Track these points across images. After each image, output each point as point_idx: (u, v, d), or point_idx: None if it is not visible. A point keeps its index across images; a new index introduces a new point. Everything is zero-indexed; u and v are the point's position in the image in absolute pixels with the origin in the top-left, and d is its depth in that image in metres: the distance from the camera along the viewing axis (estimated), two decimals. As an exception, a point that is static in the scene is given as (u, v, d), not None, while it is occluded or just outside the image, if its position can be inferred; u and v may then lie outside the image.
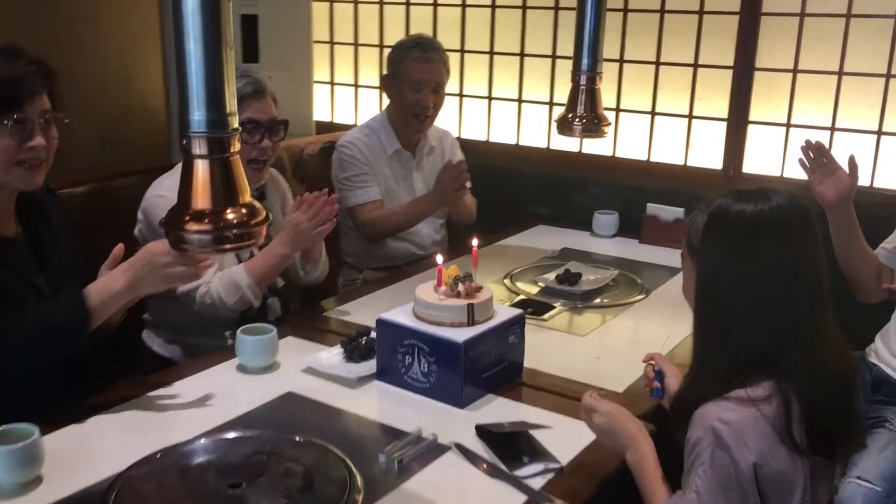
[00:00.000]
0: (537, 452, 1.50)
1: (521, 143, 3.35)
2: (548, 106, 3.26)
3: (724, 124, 2.85)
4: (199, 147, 1.19)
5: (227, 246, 1.23)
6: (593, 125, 2.37)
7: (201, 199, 1.21)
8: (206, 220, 1.21)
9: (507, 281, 2.49)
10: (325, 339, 1.99)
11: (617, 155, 3.13)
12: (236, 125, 1.20)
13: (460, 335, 1.67)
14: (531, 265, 2.61)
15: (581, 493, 1.41)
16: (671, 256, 2.76)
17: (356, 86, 3.76)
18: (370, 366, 1.80)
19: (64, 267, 1.75)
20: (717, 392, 1.25)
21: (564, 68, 3.18)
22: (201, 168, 1.21)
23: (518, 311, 1.81)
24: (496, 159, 3.33)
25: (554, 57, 3.20)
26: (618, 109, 3.08)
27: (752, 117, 2.81)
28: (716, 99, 2.87)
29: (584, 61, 2.33)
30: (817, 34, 2.66)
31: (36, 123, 1.63)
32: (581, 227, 3.01)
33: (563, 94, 3.18)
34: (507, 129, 3.38)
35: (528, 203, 3.29)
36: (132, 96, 3.39)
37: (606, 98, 3.03)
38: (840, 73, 2.66)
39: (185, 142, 1.20)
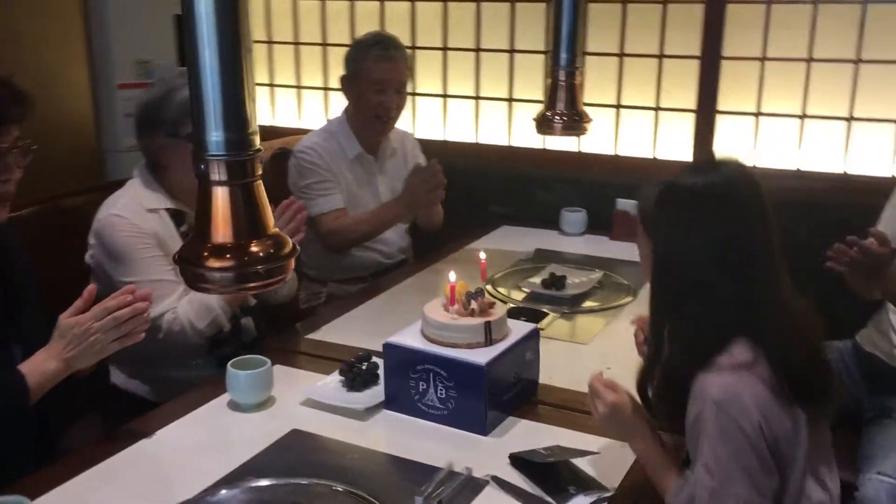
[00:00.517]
0: (582, 480, 1.39)
1: (479, 141, 3.24)
2: (507, 102, 3.15)
3: (693, 115, 2.80)
4: (218, 172, 1.04)
5: (253, 284, 1.07)
6: (574, 122, 2.28)
7: (222, 231, 1.06)
8: (229, 256, 1.05)
9: (489, 287, 2.38)
10: (316, 367, 1.83)
11: (582, 150, 3.05)
12: (258, 145, 1.05)
13: (480, 357, 1.55)
14: (509, 269, 2.50)
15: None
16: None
17: (298, 87, 3.58)
18: (376, 393, 1.66)
19: (32, 309, 1.56)
20: (695, 364, 1.25)
21: (524, 63, 3.09)
22: (221, 196, 1.05)
23: (532, 326, 1.70)
24: (453, 158, 3.18)
25: (512, 52, 3.10)
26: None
27: (720, 107, 2.77)
28: (683, 90, 2.82)
29: (563, 56, 2.23)
30: (784, 21, 2.64)
31: (9, 154, 1.44)
32: (547, 225, 2.92)
33: (522, 90, 3.11)
34: (464, 128, 3.26)
35: (489, 202, 3.18)
36: (54, 105, 3.12)
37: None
38: (809, 60, 2.64)
39: (202, 166, 1.04)
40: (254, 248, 1.05)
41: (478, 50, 3.16)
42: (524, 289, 2.35)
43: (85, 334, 1.48)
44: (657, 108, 2.87)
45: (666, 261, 1.31)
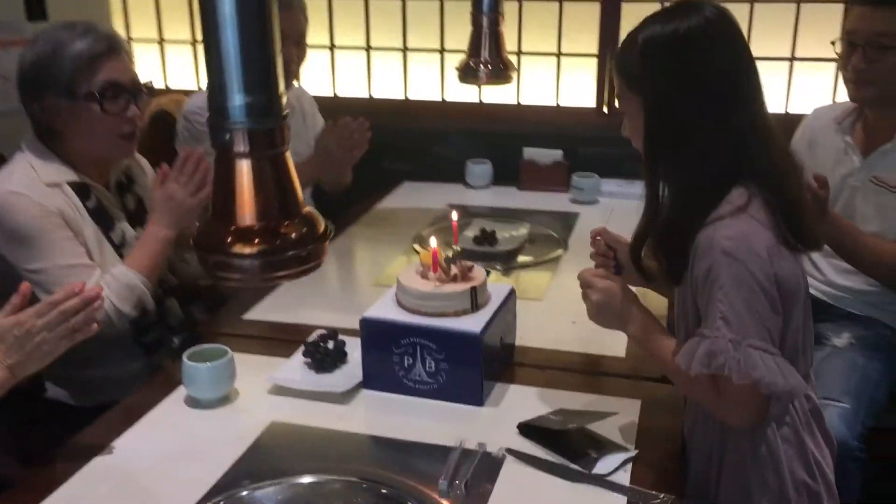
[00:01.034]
0: (599, 443, 1.34)
1: (373, 95, 3.08)
2: (401, 52, 3.02)
3: (595, 60, 2.79)
4: (242, 142, 0.87)
5: (286, 272, 0.92)
6: (500, 71, 2.18)
7: (248, 211, 0.90)
8: (258, 240, 0.89)
9: (417, 247, 2.28)
10: (270, 350, 1.68)
11: (484, 101, 2.97)
12: (286, 112, 0.90)
13: (473, 324, 1.46)
14: (432, 227, 2.41)
15: (670, 473, 1.29)
16: (556, 200, 2.70)
17: (161, 41, 3.26)
18: (349, 373, 1.54)
19: None
20: (696, 212, 1.26)
21: (418, 9, 2.96)
22: (246, 170, 0.89)
23: (508, 287, 1.62)
24: (345, 115, 3.03)
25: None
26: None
27: (622, 51, 2.77)
28: (585, 34, 2.79)
29: (486, 1, 2.13)
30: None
31: None
32: (450, 179, 2.84)
33: (416, 40, 2.98)
34: (355, 82, 3.10)
35: (384, 159, 3.04)
36: None
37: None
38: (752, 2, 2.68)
39: (226, 136, 0.87)
40: (286, 230, 0.90)
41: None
42: (454, 247, 2.26)
43: (28, 335, 1.26)
44: (559, 54, 2.83)
45: (659, 111, 1.28)
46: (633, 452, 1.31)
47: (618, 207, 2.63)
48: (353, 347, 1.55)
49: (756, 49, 1.32)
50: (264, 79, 0.86)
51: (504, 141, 2.87)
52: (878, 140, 1.99)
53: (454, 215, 1.65)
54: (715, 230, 1.23)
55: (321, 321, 1.73)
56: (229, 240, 0.90)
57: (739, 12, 2.59)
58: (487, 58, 2.15)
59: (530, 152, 2.80)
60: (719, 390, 1.24)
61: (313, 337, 1.62)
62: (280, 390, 1.51)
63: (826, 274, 2.14)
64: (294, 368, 1.56)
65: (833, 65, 2.56)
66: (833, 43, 1.96)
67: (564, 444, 1.33)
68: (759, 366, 1.20)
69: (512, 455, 1.31)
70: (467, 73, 2.21)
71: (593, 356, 1.67)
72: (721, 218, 1.24)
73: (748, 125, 1.26)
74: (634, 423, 1.41)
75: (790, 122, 2.10)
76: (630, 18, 2.74)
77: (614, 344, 1.66)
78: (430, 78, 3.01)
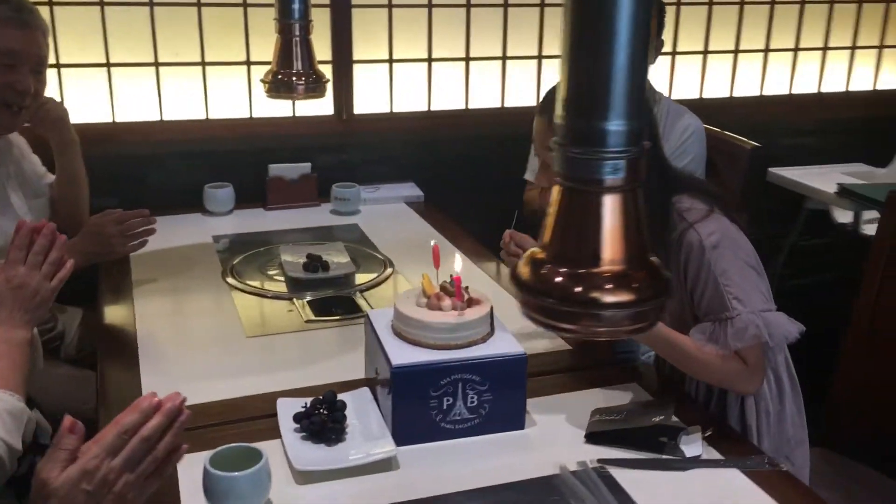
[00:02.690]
0: (661, 429, 1.38)
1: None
2: (105, 68, 2.54)
3: (330, 66, 2.69)
4: (615, 173, 0.75)
5: (640, 325, 0.80)
6: (317, 82, 2.00)
7: (611, 253, 0.77)
8: (636, 286, 0.77)
9: (231, 280, 2.02)
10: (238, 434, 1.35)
11: (211, 117, 2.67)
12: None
13: (509, 346, 1.38)
14: (240, 258, 2.16)
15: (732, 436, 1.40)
16: (315, 215, 2.59)
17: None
18: (366, 435, 1.33)
19: None
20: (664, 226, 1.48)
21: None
22: (614, 205, 0.76)
23: (488, 303, 1.54)
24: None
25: (103, 5, 2.49)
26: (204, 64, 2.61)
27: (356, 57, 2.72)
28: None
29: (296, 7, 1.93)
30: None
31: None
32: (181, 210, 2.52)
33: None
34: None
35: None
36: None
37: (190, 47, 2.56)
38: (430, 7, 2.78)
39: (598, 166, 0.73)
40: (645, 275, 0.79)
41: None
42: (277, 277, 2.05)
43: (104, 485, 0.86)
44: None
45: None
46: (697, 428, 1.38)
47: (382, 212, 2.61)
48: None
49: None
50: (638, 100, 0.75)
51: (233, 161, 2.64)
52: None
53: (432, 242, 1.50)
54: (693, 233, 1.45)
55: (236, 391, 1.49)
56: (606, 285, 0.76)
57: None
58: (301, 69, 1.96)
59: (277, 168, 2.61)
60: (745, 362, 1.40)
61: (300, 407, 1.35)
62: (307, 478, 1.25)
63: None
64: (297, 448, 1.30)
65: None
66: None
67: (632, 442, 1.35)
68: (778, 323, 1.39)
69: (610, 465, 1.29)
70: (279, 88, 1.98)
71: (561, 352, 1.68)
72: (696, 222, 1.45)
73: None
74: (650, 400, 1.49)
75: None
76: (360, 24, 2.72)
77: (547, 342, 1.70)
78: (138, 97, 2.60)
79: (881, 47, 3.44)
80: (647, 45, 0.72)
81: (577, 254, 0.77)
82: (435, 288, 1.41)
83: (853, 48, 3.38)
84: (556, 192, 0.78)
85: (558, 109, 0.75)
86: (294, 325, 1.80)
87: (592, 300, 0.76)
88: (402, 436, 1.33)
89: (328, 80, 2.05)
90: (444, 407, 1.34)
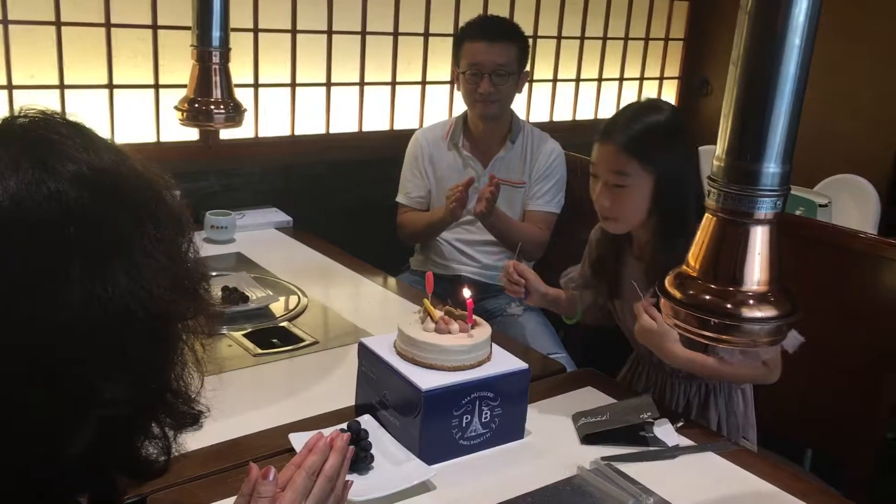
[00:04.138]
0: (636, 426, 1.56)
1: None
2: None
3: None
4: (768, 209, 0.92)
5: (774, 338, 0.97)
6: (235, 111, 1.96)
7: (762, 277, 0.94)
8: (773, 304, 0.95)
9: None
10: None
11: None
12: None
13: (512, 361, 1.49)
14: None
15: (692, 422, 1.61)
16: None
17: None
18: (400, 458, 1.38)
19: None
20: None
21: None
22: (764, 236, 0.93)
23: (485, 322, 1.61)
24: None
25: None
26: (62, 86, 2.40)
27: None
28: (181, 62, 2.57)
29: (216, 34, 1.89)
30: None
31: None
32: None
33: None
34: None
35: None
36: None
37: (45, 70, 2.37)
38: (294, 33, 2.78)
39: (759, 203, 0.89)
40: (787, 297, 0.96)
41: None
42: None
43: None
44: (156, 86, 2.54)
45: (674, 186, 1.58)
46: (664, 419, 1.58)
47: (257, 239, 2.58)
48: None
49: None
50: (792, 146, 0.92)
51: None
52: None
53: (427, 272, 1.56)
54: None
55: (229, 432, 1.45)
56: (744, 304, 0.92)
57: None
58: (220, 97, 1.92)
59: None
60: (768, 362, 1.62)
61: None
62: (360, 508, 1.27)
63: (481, 260, 2.62)
64: (336, 480, 1.31)
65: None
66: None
67: (623, 438, 1.52)
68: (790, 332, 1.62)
69: (613, 461, 1.45)
70: (197, 116, 1.92)
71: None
72: None
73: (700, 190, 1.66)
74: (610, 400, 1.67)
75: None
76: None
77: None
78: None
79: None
80: (801, 103, 0.89)
81: (729, 275, 0.91)
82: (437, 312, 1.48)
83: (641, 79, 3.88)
84: (710, 222, 0.93)
85: (720, 153, 0.90)
86: (244, 361, 1.77)
87: (742, 316, 0.92)
88: (428, 456, 1.39)
89: (245, 110, 2.02)
90: (463, 424, 1.42)
